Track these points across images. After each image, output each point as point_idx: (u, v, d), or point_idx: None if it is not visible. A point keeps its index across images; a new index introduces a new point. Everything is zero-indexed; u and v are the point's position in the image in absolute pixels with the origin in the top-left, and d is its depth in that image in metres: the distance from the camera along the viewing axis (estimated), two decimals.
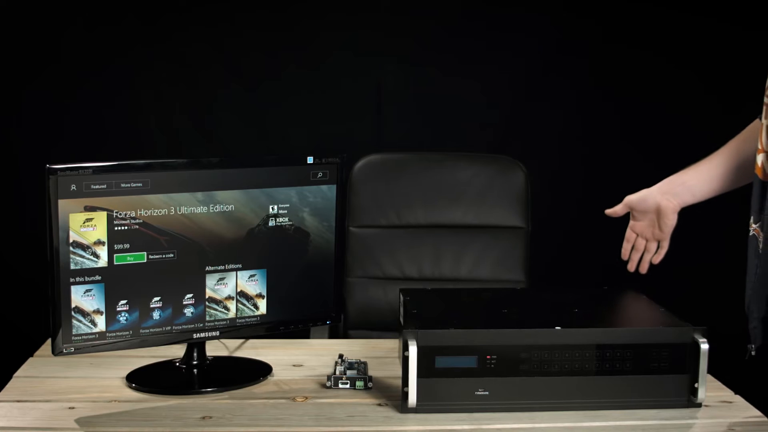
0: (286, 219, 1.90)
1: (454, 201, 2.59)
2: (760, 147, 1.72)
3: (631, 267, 1.99)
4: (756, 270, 1.72)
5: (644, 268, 1.98)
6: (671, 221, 1.93)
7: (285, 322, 1.96)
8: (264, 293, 1.92)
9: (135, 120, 3.16)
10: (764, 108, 1.71)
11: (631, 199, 1.96)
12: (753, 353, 1.74)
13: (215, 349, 2.05)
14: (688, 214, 3.46)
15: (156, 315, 1.83)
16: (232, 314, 1.90)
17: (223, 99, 3.18)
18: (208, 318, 1.88)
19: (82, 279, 1.73)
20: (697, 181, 1.90)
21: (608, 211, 1.99)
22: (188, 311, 1.85)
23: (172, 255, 1.81)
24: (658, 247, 1.97)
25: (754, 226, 1.74)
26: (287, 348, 2.10)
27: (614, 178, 3.25)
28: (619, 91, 3.20)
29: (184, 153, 3.14)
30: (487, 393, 1.72)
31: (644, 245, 1.98)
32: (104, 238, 1.74)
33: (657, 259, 1.98)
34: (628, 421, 1.70)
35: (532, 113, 3.23)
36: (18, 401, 1.77)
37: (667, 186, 1.92)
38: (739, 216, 2.27)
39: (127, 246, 1.77)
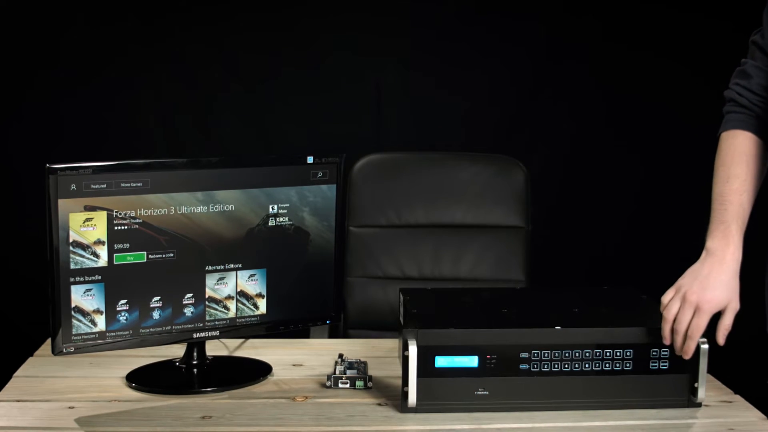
0: (286, 219, 1.90)
1: (454, 201, 2.59)
2: None
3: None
4: None
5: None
6: None
7: (285, 321, 1.95)
8: (264, 293, 1.91)
9: (135, 120, 3.16)
10: None
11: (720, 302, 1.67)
12: None
13: (215, 348, 2.05)
14: (689, 215, 3.45)
15: (156, 315, 1.82)
16: (232, 314, 1.90)
17: (223, 99, 3.18)
18: (208, 318, 1.87)
19: (82, 279, 1.73)
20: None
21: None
22: (188, 311, 1.85)
23: (172, 255, 1.81)
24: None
25: None
26: (287, 348, 2.09)
27: (614, 177, 3.26)
28: (618, 90, 3.20)
29: (184, 153, 3.14)
30: (487, 393, 1.72)
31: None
32: (104, 238, 1.74)
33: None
34: (628, 421, 1.70)
35: (532, 113, 3.23)
36: (18, 401, 1.77)
37: (735, 283, 1.69)
38: None
39: (126, 246, 1.77)
